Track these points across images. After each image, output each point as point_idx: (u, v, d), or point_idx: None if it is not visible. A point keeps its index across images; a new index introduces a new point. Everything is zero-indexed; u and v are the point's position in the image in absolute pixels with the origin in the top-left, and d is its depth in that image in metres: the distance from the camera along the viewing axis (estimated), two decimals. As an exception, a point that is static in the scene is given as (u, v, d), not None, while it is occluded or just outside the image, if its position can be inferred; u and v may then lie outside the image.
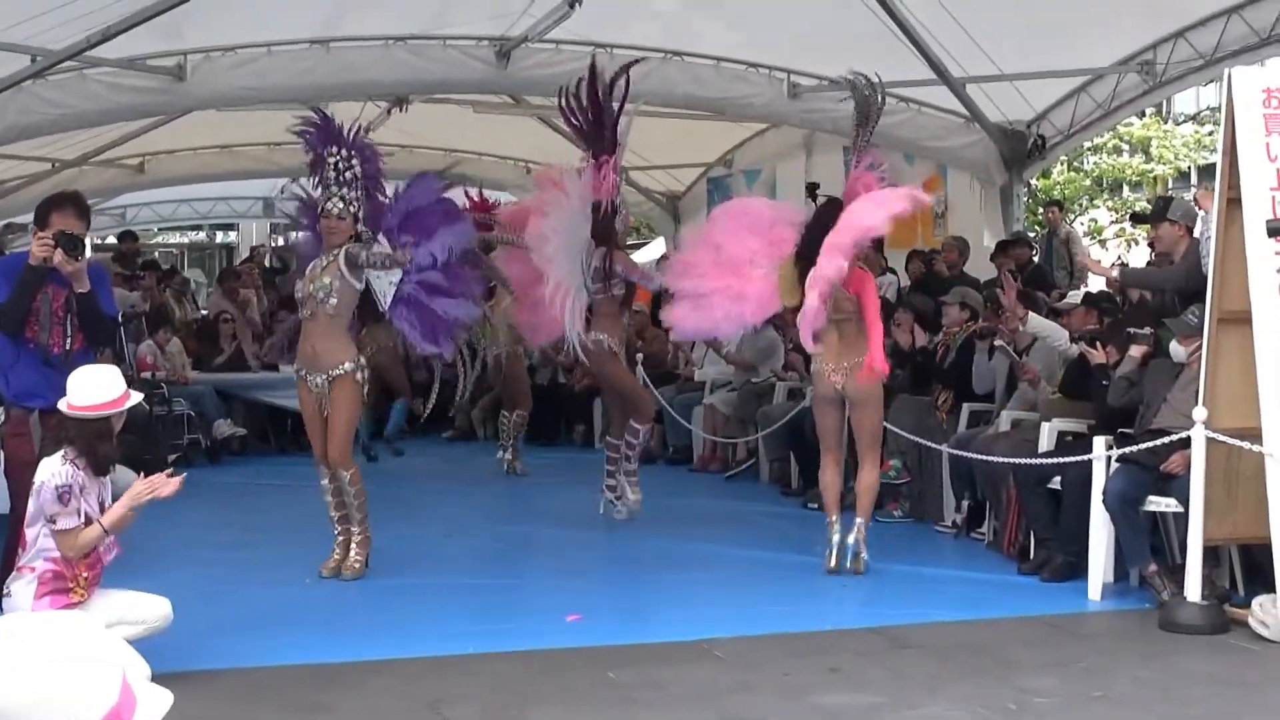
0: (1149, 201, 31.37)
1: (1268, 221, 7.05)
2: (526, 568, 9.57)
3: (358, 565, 8.60)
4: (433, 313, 8.55)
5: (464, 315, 8.74)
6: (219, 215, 26.92)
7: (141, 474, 6.57)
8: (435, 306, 8.54)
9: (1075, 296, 9.93)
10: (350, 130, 8.62)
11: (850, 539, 8.73)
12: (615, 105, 10.02)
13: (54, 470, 6.11)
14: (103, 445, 6.29)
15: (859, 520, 8.79)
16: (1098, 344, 8.93)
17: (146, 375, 13.48)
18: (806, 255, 8.61)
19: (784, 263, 8.83)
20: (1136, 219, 11.07)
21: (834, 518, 8.85)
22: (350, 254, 8.36)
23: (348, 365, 8.40)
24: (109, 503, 6.32)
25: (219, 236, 37.99)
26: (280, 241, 29.03)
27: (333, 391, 8.42)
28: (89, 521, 6.16)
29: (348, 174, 8.49)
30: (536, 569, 9.45)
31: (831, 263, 8.38)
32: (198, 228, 34.79)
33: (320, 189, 8.57)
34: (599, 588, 8.79)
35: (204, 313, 17.47)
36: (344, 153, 8.50)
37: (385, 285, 8.55)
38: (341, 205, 8.44)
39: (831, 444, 9.05)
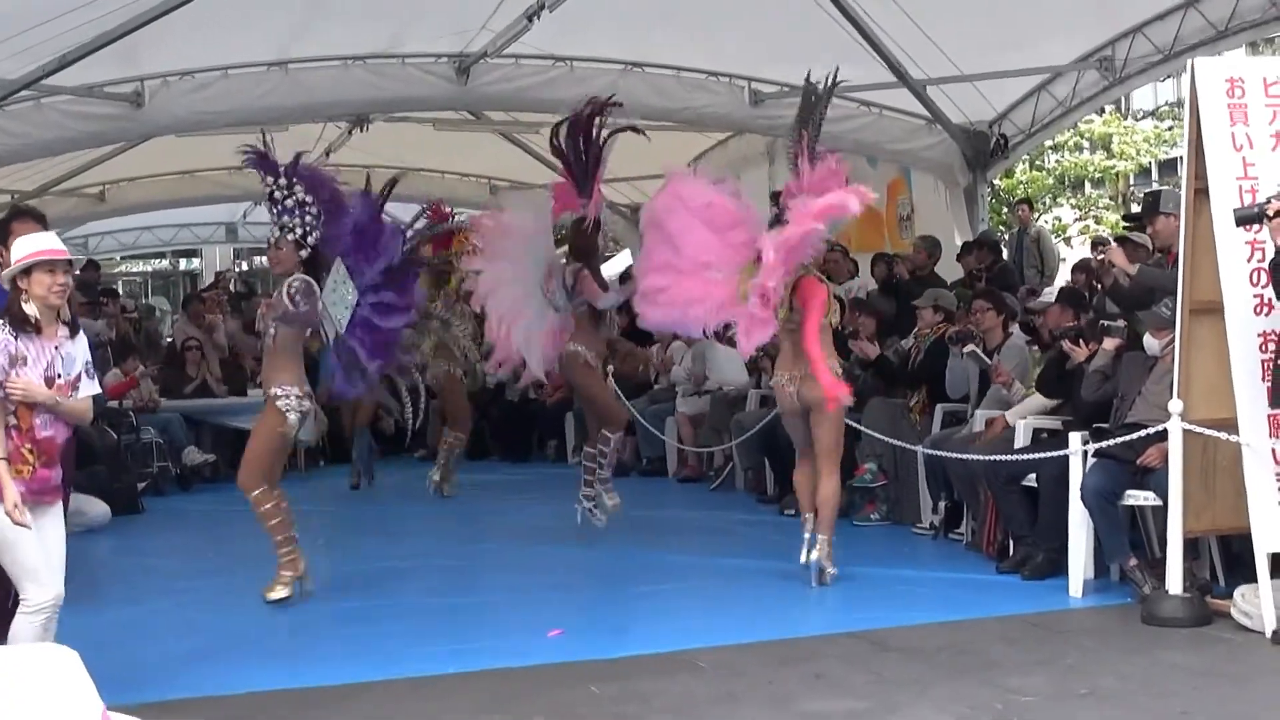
0: (1111, 198, 31.60)
1: (1235, 210, 7.04)
2: (504, 584, 9.49)
3: (278, 588, 8.47)
4: (382, 330, 8.60)
5: (401, 326, 8.78)
6: (182, 241, 26.77)
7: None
8: (384, 325, 8.59)
9: (1049, 294, 9.92)
10: (293, 158, 8.62)
11: (813, 556, 8.60)
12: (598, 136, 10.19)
13: None
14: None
15: (820, 536, 8.61)
16: (1080, 341, 8.91)
17: (114, 404, 13.37)
18: None
19: (746, 267, 8.66)
20: (1131, 219, 11.02)
21: (808, 515, 8.76)
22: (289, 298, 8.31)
23: (274, 390, 8.43)
24: (69, 378, 5.98)
25: (182, 263, 37.77)
26: (245, 266, 28.92)
27: (264, 415, 8.50)
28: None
29: (288, 201, 8.48)
30: (515, 585, 9.37)
31: (772, 274, 8.33)
32: (161, 255, 34.57)
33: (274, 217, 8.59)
34: (579, 602, 8.75)
35: (169, 339, 17.35)
36: (281, 181, 8.49)
37: (341, 311, 8.53)
38: (278, 233, 8.49)
39: (805, 449, 8.99)
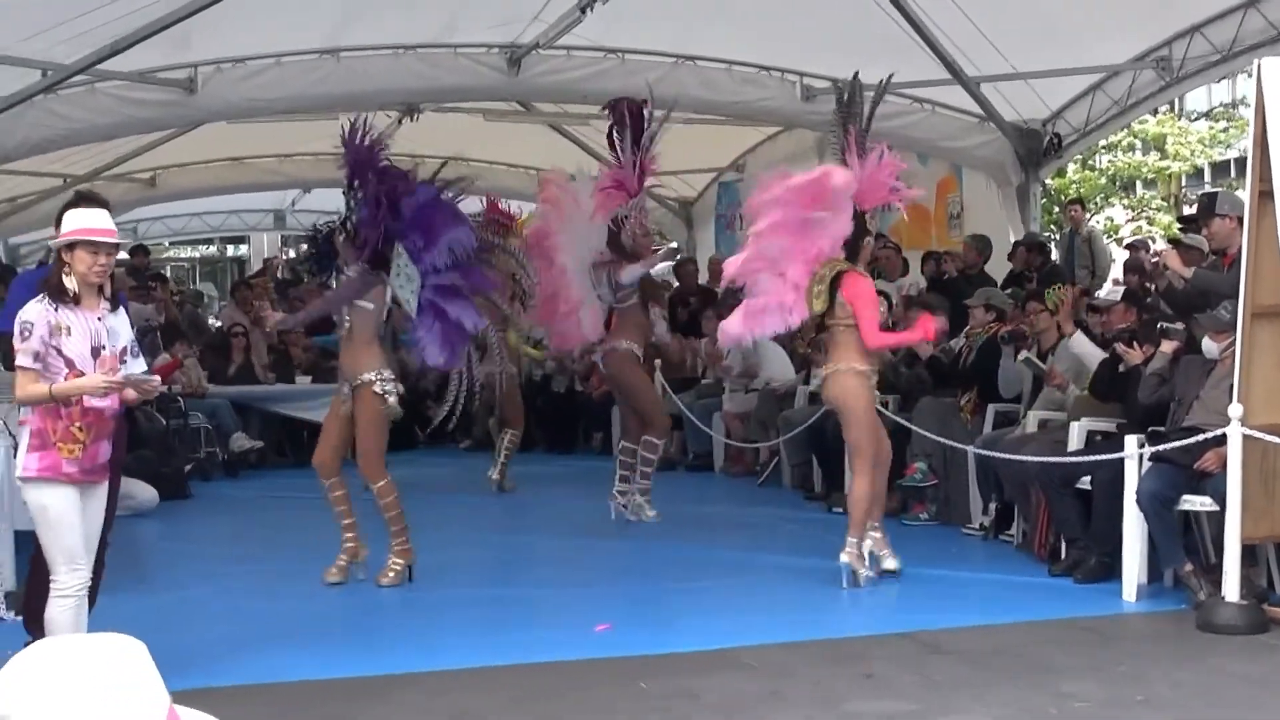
0: (1164, 199, 31.34)
1: (1302, 214, 6.94)
2: (549, 578, 9.46)
3: (391, 574, 8.62)
4: (450, 320, 8.56)
5: (476, 322, 8.72)
6: (230, 228, 26.89)
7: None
8: (451, 311, 8.53)
9: (1112, 293, 9.81)
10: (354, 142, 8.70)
11: (842, 559, 8.42)
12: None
13: (29, 307, 5.82)
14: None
15: (850, 538, 8.43)
16: (1135, 343, 8.81)
17: (163, 389, 13.40)
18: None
19: (821, 267, 8.49)
20: (1185, 221, 10.90)
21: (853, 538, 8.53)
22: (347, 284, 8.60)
23: (365, 376, 8.45)
24: (114, 349, 5.92)
25: (230, 250, 37.94)
26: (292, 254, 29.00)
27: (356, 401, 8.50)
28: (71, 366, 5.78)
29: (360, 194, 8.63)
30: (560, 579, 9.35)
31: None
32: (209, 241, 34.73)
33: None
34: (625, 597, 8.69)
35: (217, 324, 17.41)
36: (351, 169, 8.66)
37: (407, 295, 8.56)
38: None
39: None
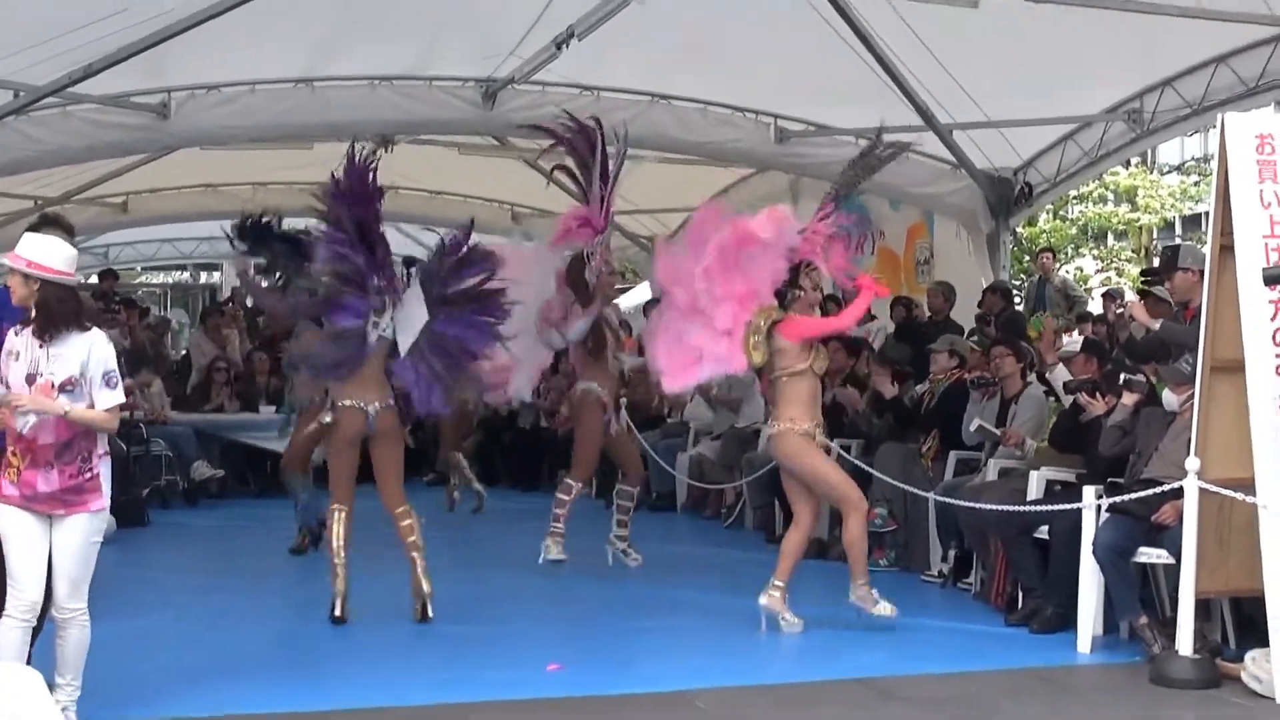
0: (1135, 251, 31.52)
1: (1264, 269, 6.96)
2: (506, 615, 9.37)
3: (429, 591, 8.70)
4: (436, 373, 8.62)
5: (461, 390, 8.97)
6: (202, 255, 26.75)
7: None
8: (438, 365, 8.60)
9: (1072, 344, 9.85)
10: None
11: (851, 599, 8.54)
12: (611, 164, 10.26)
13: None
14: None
15: (858, 581, 8.52)
16: (1097, 394, 8.83)
17: (124, 415, 13.32)
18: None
19: (755, 316, 8.49)
20: (1148, 274, 10.96)
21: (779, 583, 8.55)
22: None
23: (390, 400, 8.62)
24: (49, 377, 5.90)
25: (202, 277, 37.78)
26: (265, 283, 28.91)
27: (381, 424, 8.58)
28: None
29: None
30: (516, 616, 9.29)
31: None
32: (181, 267, 34.61)
33: None
34: (581, 636, 8.67)
35: (184, 351, 17.33)
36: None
37: (405, 335, 8.65)
38: None
39: (798, 505, 8.79)
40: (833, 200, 8.73)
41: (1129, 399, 8.39)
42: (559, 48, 11.24)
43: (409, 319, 8.63)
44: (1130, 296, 13.72)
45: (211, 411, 15.02)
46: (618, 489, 10.66)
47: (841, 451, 10.74)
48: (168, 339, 17.75)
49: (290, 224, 9.13)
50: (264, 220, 8.87)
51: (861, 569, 8.57)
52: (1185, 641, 7.22)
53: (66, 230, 6.97)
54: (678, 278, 8.70)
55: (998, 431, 9.78)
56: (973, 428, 10.01)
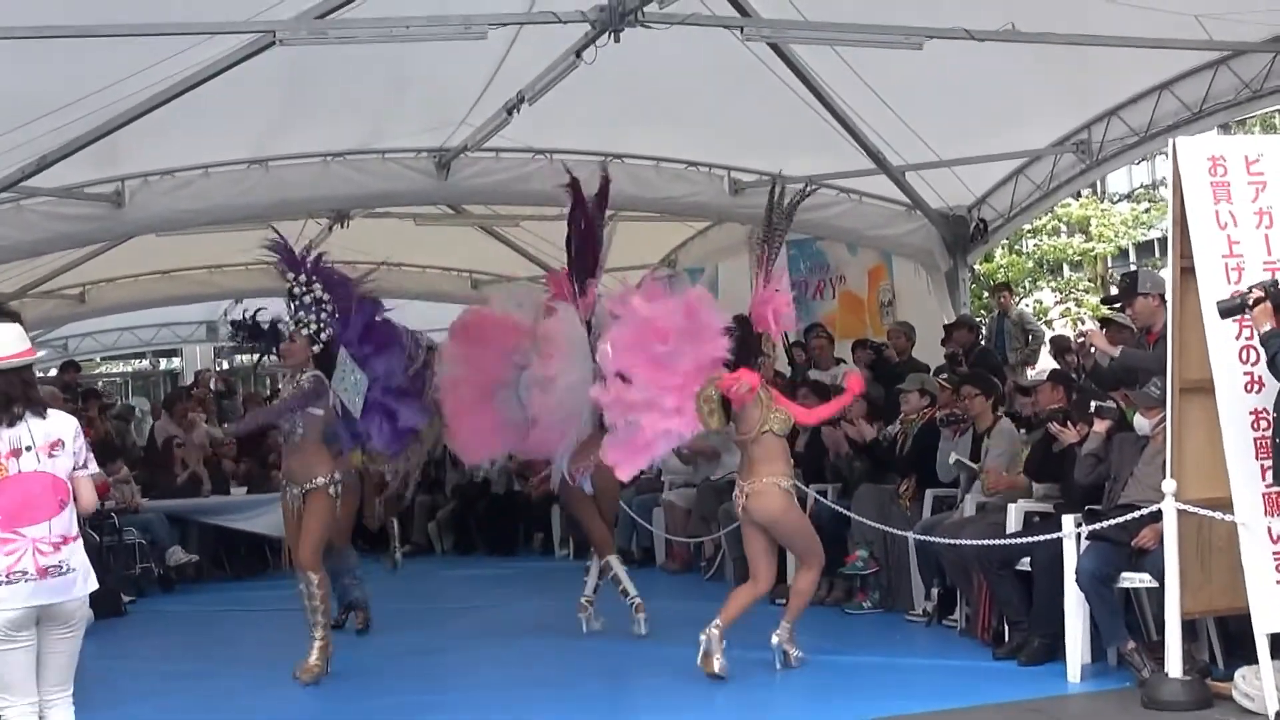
0: (1091, 280, 31.74)
1: (1218, 303, 7.02)
2: (490, 681, 9.33)
3: (315, 669, 8.75)
4: (396, 419, 8.99)
5: (419, 422, 9.19)
6: (162, 341, 26.69)
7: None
8: (401, 413, 8.97)
9: (1039, 375, 9.92)
10: (309, 256, 9.03)
11: (773, 640, 8.59)
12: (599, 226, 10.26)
13: None
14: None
15: (784, 623, 8.63)
16: (1068, 422, 8.87)
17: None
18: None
19: (705, 386, 8.52)
20: (1109, 302, 11.05)
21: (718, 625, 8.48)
22: (299, 393, 8.71)
23: (320, 480, 8.74)
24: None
25: (162, 363, 37.65)
26: (225, 365, 28.81)
27: (307, 503, 8.75)
28: None
29: (306, 298, 8.82)
30: (501, 682, 9.23)
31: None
32: (140, 355, 34.48)
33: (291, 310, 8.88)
34: (567, 698, 8.60)
35: (149, 439, 17.21)
36: (301, 277, 8.84)
37: (353, 398, 8.87)
38: (293, 327, 8.79)
39: (755, 562, 8.76)
40: (766, 257, 8.81)
41: (1101, 426, 8.44)
42: (510, 113, 11.30)
43: (354, 385, 8.87)
44: (1088, 325, 13.82)
45: (180, 487, 14.89)
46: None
47: (818, 497, 10.78)
48: (132, 427, 17.62)
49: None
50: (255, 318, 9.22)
51: (796, 616, 8.69)
52: (1174, 664, 7.24)
53: (16, 319, 7.00)
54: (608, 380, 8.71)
55: (974, 465, 9.81)
56: (951, 461, 10.04)
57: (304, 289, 8.82)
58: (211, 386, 20.27)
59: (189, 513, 14.69)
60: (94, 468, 6.11)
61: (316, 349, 8.81)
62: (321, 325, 8.81)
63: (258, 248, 9.29)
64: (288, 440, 8.87)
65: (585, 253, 10.15)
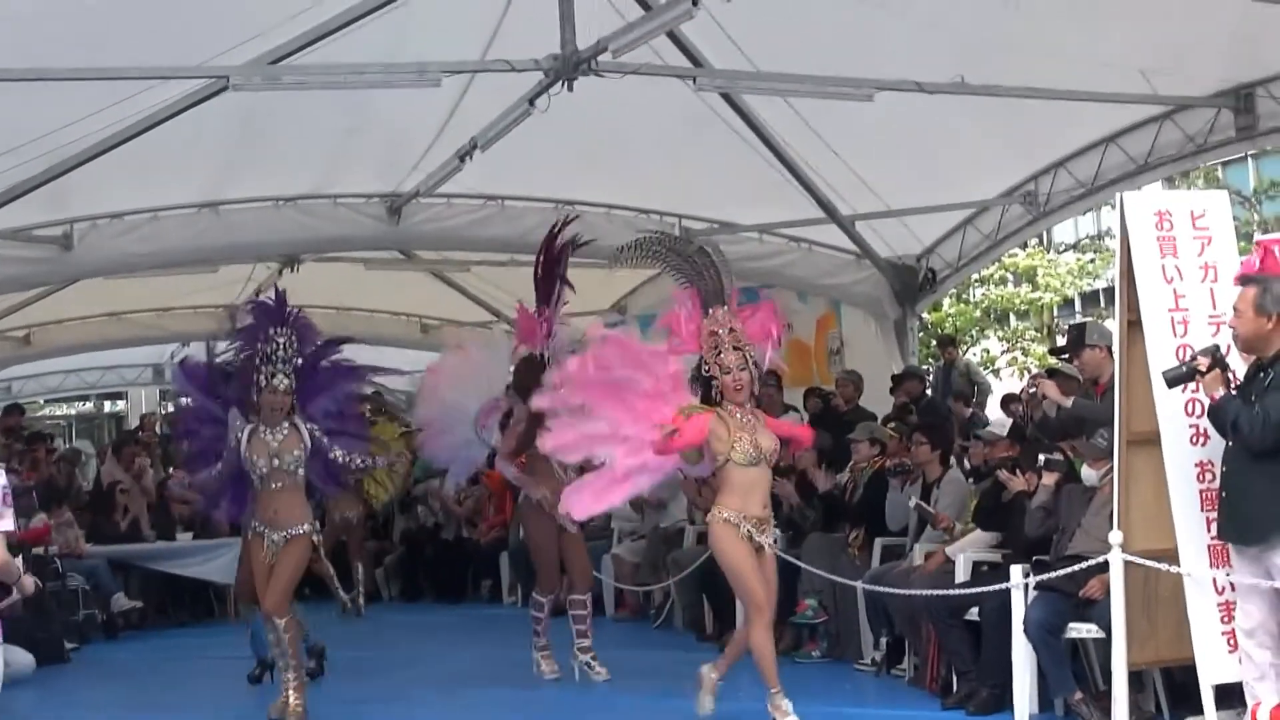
0: (1038, 330, 32.00)
1: (1164, 372, 7.07)
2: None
3: (299, 710, 8.84)
4: (331, 458, 9.01)
5: (357, 458, 9.17)
6: (107, 384, 26.52)
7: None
8: (334, 451, 8.95)
9: (996, 428, 9.94)
10: (291, 312, 9.03)
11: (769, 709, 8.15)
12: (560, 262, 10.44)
13: None
14: None
15: (771, 691, 8.01)
16: (1017, 470, 8.93)
17: (39, 550, 13.08)
18: None
19: (678, 414, 8.16)
20: (1056, 352, 11.14)
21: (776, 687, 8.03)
22: (319, 444, 8.85)
23: (306, 527, 8.85)
24: None
25: (107, 406, 37.34)
26: (171, 408, 28.59)
27: (286, 548, 8.82)
28: None
29: (279, 350, 8.86)
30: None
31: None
32: (85, 398, 34.20)
33: (263, 364, 8.82)
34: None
35: (95, 483, 17.05)
36: (289, 333, 8.88)
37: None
38: (287, 382, 8.83)
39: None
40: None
41: (1049, 479, 8.48)
42: (462, 160, 11.34)
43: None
44: (1040, 374, 13.89)
45: (121, 534, 14.74)
46: (569, 599, 10.41)
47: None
48: (78, 471, 17.43)
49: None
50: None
51: (728, 665, 8.33)
52: (1120, 714, 7.26)
53: None
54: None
55: (933, 510, 9.83)
56: (911, 504, 10.06)
57: (290, 344, 8.86)
58: (157, 430, 20.09)
59: (134, 558, 14.56)
60: (6, 523, 5.92)
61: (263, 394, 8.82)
62: (289, 375, 8.87)
63: (244, 307, 9.45)
64: (264, 485, 8.81)
65: (546, 284, 10.38)
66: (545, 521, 10.15)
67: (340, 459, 8.90)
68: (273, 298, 9.11)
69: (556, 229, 10.50)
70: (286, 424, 8.82)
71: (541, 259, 10.41)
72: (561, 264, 10.42)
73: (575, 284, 10.79)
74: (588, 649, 10.28)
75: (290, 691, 8.89)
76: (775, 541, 8.44)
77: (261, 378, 8.75)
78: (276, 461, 8.75)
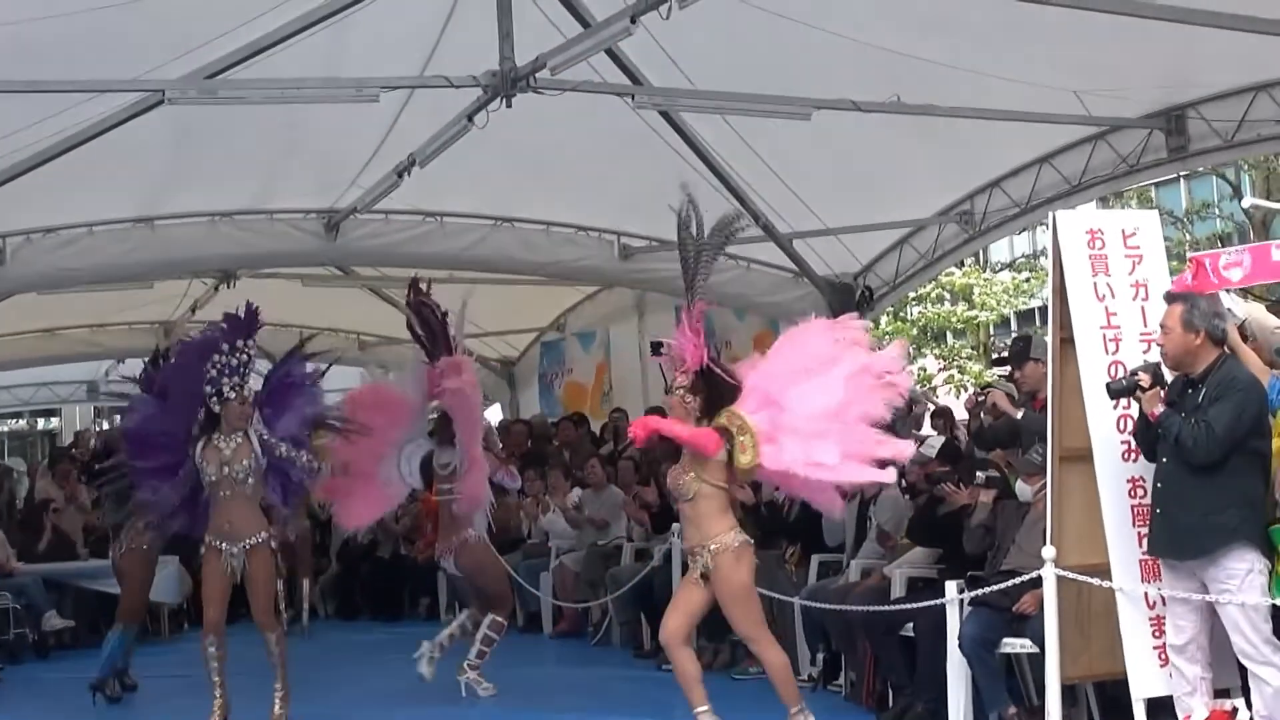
0: (974, 348, 32.25)
1: (1108, 384, 7.15)
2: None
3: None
4: (289, 478, 9.13)
5: (303, 455, 9.16)
6: (41, 401, 26.24)
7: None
8: (280, 448, 8.95)
9: (931, 446, 9.98)
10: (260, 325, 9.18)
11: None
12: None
13: None
14: None
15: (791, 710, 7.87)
16: (960, 484, 8.98)
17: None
18: None
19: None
20: (998, 364, 11.23)
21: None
22: (268, 445, 8.87)
23: (264, 535, 8.93)
24: None
25: (40, 423, 36.99)
26: (105, 425, 28.34)
27: (251, 560, 8.86)
28: None
29: (236, 359, 8.96)
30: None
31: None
32: (18, 415, 33.85)
33: (228, 375, 8.89)
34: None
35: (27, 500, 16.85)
36: (252, 344, 9.02)
37: None
38: (251, 395, 8.97)
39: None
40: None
41: (987, 496, 8.55)
42: (400, 176, 11.32)
43: None
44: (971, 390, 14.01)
45: (48, 550, 14.55)
46: (491, 620, 10.48)
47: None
48: (7, 488, 17.22)
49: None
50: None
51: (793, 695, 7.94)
52: (1054, 729, 7.34)
53: None
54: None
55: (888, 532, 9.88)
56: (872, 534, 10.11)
57: (251, 358, 8.98)
58: (91, 447, 19.89)
59: (67, 576, 14.37)
60: None
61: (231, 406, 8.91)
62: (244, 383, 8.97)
63: (222, 318, 9.35)
64: (213, 493, 8.85)
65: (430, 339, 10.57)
66: (491, 552, 10.60)
67: (284, 453, 8.87)
68: (242, 312, 9.14)
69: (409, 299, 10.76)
70: (240, 435, 8.86)
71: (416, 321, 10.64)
72: (437, 315, 10.57)
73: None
74: (478, 667, 10.46)
75: (276, 701, 9.04)
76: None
77: (228, 389, 8.81)
78: (226, 469, 8.80)
